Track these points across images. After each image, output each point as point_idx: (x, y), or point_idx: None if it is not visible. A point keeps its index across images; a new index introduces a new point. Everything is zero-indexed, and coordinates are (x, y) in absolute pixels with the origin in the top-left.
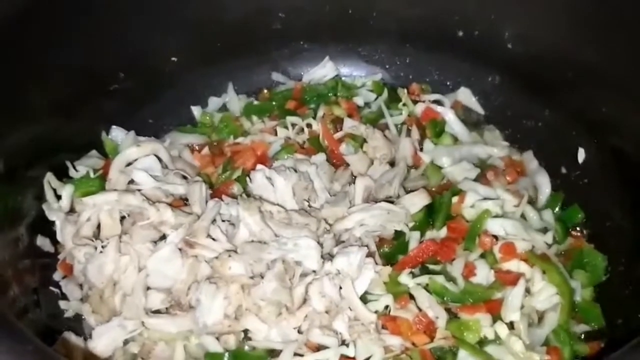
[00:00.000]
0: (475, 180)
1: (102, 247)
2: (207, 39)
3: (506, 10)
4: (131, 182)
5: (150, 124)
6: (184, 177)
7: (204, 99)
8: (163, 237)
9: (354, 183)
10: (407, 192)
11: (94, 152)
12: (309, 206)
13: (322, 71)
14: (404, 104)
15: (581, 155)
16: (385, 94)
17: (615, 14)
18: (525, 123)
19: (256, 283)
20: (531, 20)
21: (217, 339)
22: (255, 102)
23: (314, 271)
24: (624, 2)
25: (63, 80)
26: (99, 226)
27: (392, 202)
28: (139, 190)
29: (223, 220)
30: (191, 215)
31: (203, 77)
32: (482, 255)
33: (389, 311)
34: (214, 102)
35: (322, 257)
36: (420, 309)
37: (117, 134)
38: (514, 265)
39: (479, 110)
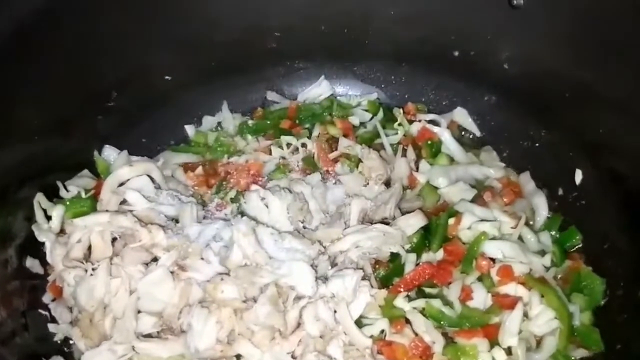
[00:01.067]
0: (472, 201)
1: (93, 269)
2: (201, 58)
3: (502, 31)
4: (123, 202)
5: (144, 143)
6: (178, 198)
7: (198, 118)
8: (155, 259)
9: (349, 204)
10: (403, 213)
11: (85, 171)
12: (304, 227)
13: (318, 90)
14: (400, 124)
15: (578, 176)
16: (381, 113)
17: (612, 35)
18: (522, 144)
19: (249, 307)
20: (528, 41)
21: None
22: (250, 121)
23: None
24: (621, 23)
25: (55, 99)
26: (89, 248)
27: (387, 224)
28: (131, 211)
29: (216, 242)
30: (183, 236)
31: (197, 95)
32: (479, 279)
33: (385, 336)
34: (208, 121)
35: (316, 279)
36: (416, 334)
37: (109, 153)
38: (511, 288)
39: (475, 130)
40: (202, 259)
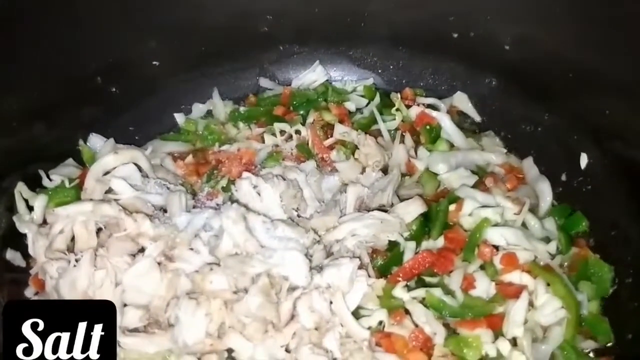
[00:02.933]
0: (473, 187)
1: (76, 260)
2: (190, 42)
3: (503, 10)
4: (109, 191)
5: (131, 132)
6: (166, 187)
7: (187, 106)
8: (142, 250)
9: (345, 192)
10: (402, 200)
11: (70, 160)
12: (298, 216)
13: (312, 76)
14: (397, 109)
15: (583, 160)
16: (378, 98)
17: (617, 14)
18: (524, 128)
19: (240, 298)
20: (529, 21)
21: (199, 359)
22: (242, 108)
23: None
24: (627, 2)
25: (36, 85)
26: (73, 239)
27: (385, 211)
28: (117, 200)
29: (206, 231)
30: (171, 226)
31: (187, 82)
32: (482, 267)
33: (383, 327)
34: (198, 108)
35: (311, 269)
36: (416, 325)
37: (95, 141)
38: (515, 276)
39: (475, 116)
40: (191, 249)
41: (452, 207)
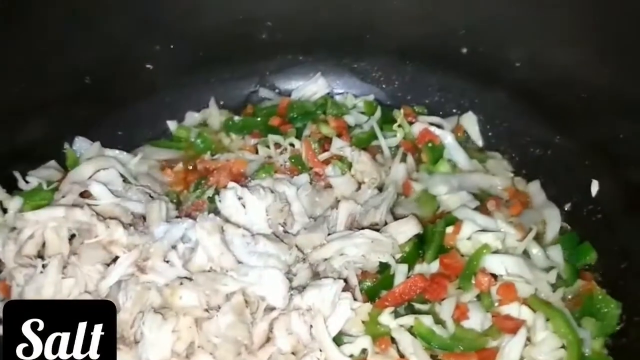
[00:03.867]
0: (474, 210)
1: (43, 266)
2: (187, 46)
3: (515, 26)
4: (88, 196)
5: (120, 136)
6: (148, 195)
7: (181, 113)
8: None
9: (337, 208)
10: (397, 219)
11: (52, 162)
12: (285, 232)
13: (313, 87)
14: (399, 125)
15: (595, 187)
16: (379, 113)
17: (635, 34)
18: (533, 151)
19: (212, 316)
20: (542, 36)
21: None
22: (236, 118)
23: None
24: None
25: (20, 83)
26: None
27: (377, 230)
28: (95, 205)
29: (184, 243)
30: (147, 235)
31: (181, 88)
32: (478, 297)
33: (367, 356)
34: (192, 117)
35: (292, 289)
36: (402, 355)
37: (81, 145)
38: (514, 309)
39: (479, 141)
40: (167, 261)
41: (449, 229)
